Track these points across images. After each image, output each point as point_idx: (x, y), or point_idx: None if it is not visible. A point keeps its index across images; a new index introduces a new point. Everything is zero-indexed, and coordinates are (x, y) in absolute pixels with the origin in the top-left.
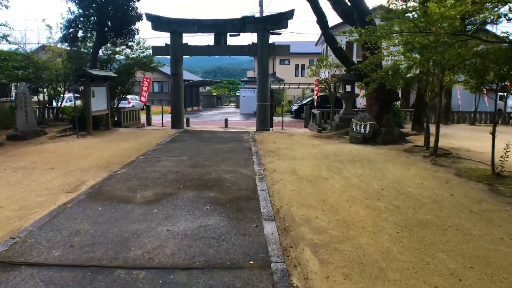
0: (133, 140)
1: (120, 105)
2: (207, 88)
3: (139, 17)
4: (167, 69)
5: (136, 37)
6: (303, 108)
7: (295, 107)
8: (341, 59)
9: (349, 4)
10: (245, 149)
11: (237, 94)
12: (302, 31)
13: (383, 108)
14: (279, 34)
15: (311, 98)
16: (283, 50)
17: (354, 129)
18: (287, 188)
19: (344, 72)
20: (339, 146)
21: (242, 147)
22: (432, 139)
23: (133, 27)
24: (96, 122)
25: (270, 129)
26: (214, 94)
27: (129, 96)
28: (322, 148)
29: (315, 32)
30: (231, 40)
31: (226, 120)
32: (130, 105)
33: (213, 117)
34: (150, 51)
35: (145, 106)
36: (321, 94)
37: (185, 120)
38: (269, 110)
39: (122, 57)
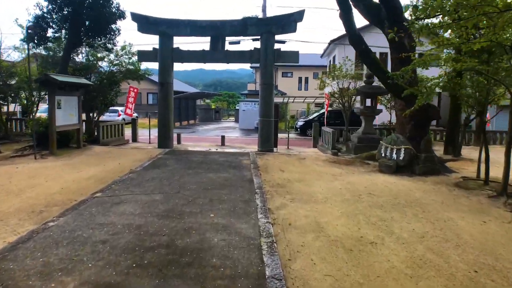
0: (102, 165)
1: (109, 118)
2: (207, 101)
3: (121, 15)
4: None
5: (120, 38)
6: (309, 124)
7: (300, 123)
8: (369, 65)
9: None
10: (244, 182)
11: (237, 107)
12: (305, 39)
13: (419, 127)
14: (283, 42)
15: (319, 113)
16: (291, 57)
17: (383, 154)
18: (317, 272)
19: (363, 84)
20: (368, 178)
21: (240, 178)
22: (481, 167)
23: (114, 27)
24: (65, 138)
25: (274, 149)
26: (213, 107)
27: (119, 108)
28: (347, 181)
29: (320, 41)
30: (231, 46)
31: (223, 137)
32: (120, 118)
33: (210, 133)
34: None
35: (131, 120)
36: (330, 108)
37: (176, 136)
38: (274, 127)
39: (106, 64)
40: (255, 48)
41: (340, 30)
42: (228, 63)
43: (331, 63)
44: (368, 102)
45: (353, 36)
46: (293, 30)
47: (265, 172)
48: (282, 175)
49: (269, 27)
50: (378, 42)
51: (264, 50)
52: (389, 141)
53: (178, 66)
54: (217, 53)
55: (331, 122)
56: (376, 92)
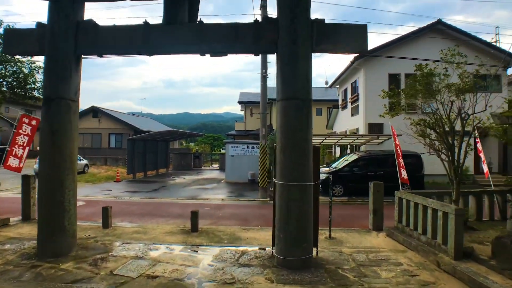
0: None
1: None
2: (191, 144)
3: None
4: (126, 107)
5: None
6: (338, 176)
7: (322, 176)
8: None
9: None
10: None
11: (222, 150)
12: None
13: None
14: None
15: (348, 159)
16: (349, 37)
17: None
18: None
19: None
20: None
21: None
22: None
23: None
24: None
25: (314, 250)
26: (193, 151)
27: None
28: None
29: (325, 65)
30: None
31: (194, 215)
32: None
33: (181, 191)
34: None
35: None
36: (359, 154)
37: (99, 210)
38: (313, 202)
39: None
40: (265, 18)
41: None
42: (203, 54)
43: (347, 93)
44: None
45: None
46: None
47: None
48: None
49: None
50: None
51: (288, 21)
52: None
53: (162, 109)
54: (179, 30)
55: (359, 173)
56: None
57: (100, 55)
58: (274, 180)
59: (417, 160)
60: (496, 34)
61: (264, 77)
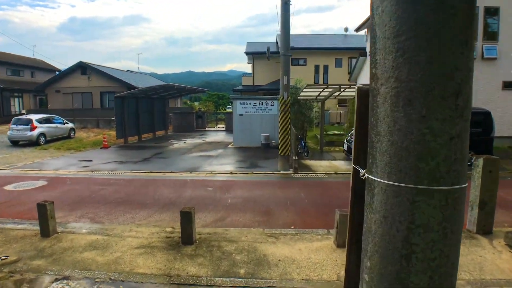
0: None
1: (16, 134)
2: (196, 103)
3: None
4: (128, 67)
5: None
6: None
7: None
8: None
9: None
10: None
11: (228, 109)
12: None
13: None
14: None
15: None
16: None
17: None
18: None
19: None
20: None
21: None
22: None
23: None
24: None
25: None
26: (195, 110)
27: (33, 117)
28: None
29: (344, 14)
30: None
31: (186, 217)
32: (34, 133)
33: (177, 162)
34: None
35: None
36: None
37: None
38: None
39: None
40: None
41: None
42: None
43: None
44: None
45: None
46: None
47: None
48: None
49: None
50: None
51: None
52: None
53: (165, 68)
54: None
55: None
56: None
57: None
58: (366, 175)
59: (486, 119)
60: None
61: (285, 3)
